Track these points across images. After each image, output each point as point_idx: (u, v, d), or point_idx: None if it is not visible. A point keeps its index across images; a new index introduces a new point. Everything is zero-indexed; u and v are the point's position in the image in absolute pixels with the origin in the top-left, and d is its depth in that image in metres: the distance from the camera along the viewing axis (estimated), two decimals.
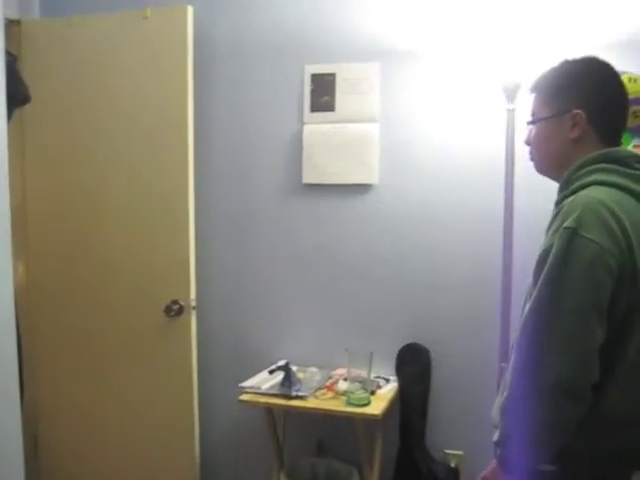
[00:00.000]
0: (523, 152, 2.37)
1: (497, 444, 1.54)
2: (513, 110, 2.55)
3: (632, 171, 1.54)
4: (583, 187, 1.53)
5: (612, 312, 1.42)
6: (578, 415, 1.43)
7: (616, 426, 1.48)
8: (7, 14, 2.87)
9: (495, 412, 1.62)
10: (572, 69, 1.65)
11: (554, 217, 1.52)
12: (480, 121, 2.78)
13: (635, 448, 1.50)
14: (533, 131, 1.71)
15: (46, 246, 3.15)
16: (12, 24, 3.08)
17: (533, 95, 1.71)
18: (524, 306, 1.56)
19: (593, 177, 1.53)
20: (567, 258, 1.42)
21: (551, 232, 1.49)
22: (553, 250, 1.44)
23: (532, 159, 1.74)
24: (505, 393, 1.52)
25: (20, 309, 2.64)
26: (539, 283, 1.46)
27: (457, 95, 2.81)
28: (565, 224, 1.44)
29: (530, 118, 1.72)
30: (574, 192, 1.53)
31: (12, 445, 1.68)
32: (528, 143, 1.74)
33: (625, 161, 1.55)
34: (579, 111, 1.59)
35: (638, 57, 2.38)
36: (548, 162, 1.70)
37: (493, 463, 1.58)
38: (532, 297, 1.47)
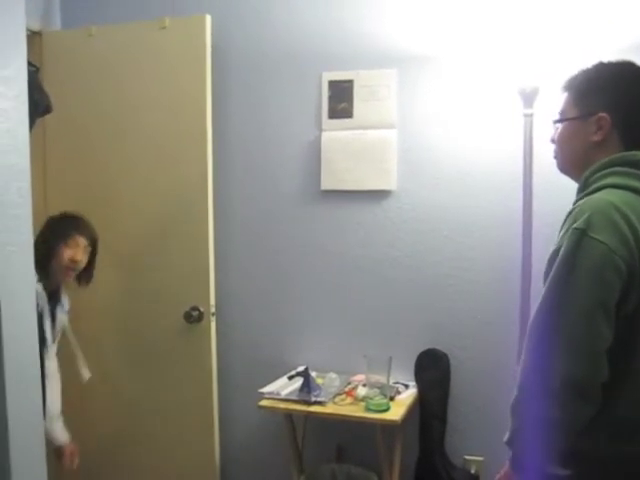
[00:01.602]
0: (542, 157, 2.38)
1: (507, 444, 1.55)
2: (531, 115, 2.55)
3: None
4: (597, 190, 1.53)
5: (621, 313, 1.43)
6: (587, 415, 1.43)
7: (630, 428, 1.47)
8: (29, 25, 2.91)
9: None
10: (603, 72, 1.64)
11: (566, 218, 1.52)
12: (498, 126, 2.78)
13: None
14: (559, 130, 1.71)
15: None
16: (34, 35, 3.13)
17: (565, 94, 1.70)
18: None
19: (608, 180, 1.54)
20: (575, 258, 1.42)
21: (562, 233, 1.49)
22: (562, 250, 1.45)
23: (555, 157, 1.74)
24: (514, 392, 1.52)
25: None
26: (547, 283, 1.47)
27: (475, 100, 2.81)
28: (575, 225, 1.44)
29: (558, 117, 1.72)
30: (588, 195, 1.54)
31: (35, 451, 1.69)
32: (553, 141, 1.74)
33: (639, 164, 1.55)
34: (605, 114, 1.59)
35: None
36: (569, 162, 1.70)
37: (506, 465, 1.58)
38: (540, 297, 1.48)
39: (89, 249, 2.62)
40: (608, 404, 1.44)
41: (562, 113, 1.70)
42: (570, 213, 1.52)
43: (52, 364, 2.63)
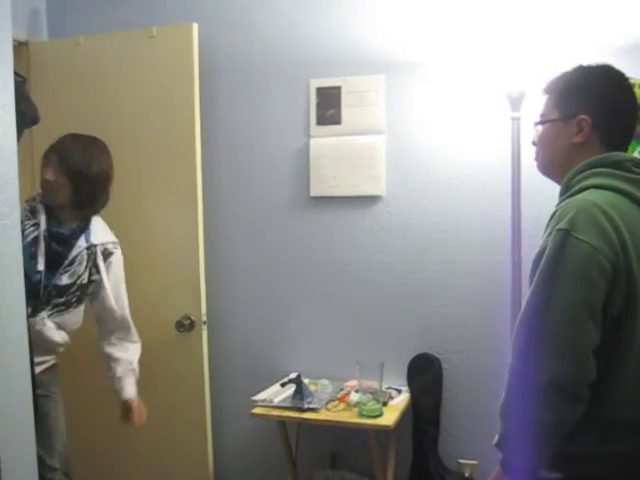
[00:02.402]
0: (529, 160, 2.38)
1: (497, 446, 1.55)
2: (518, 118, 2.57)
3: (630, 175, 1.55)
4: (579, 191, 1.54)
5: (607, 313, 1.43)
6: (575, 415, 1.43)
7: (617, 429, 1.47)
8: (15, 36, 2.91)
9: None
10: (584, 75, 1.66)
11: (550, 220, 1.53)
12: (486, 130, 2.79)
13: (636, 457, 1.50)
14: (540, 131, 1.72)
15: None
16: (20, 46, 3.12)
17: (546, 96, 1.72)
18: None
19: (590, 181, 1.55)
20: (559, 259, 1.43)
21: (546, 234, 1.50)
22: (546, 251, 1.46)
23: (536, 159, 1.76)
24: (502, 395, 1.53)
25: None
26: (533, 284, 1.48)
27: (462, 104, 2.82)
28: (559, 226, 1.45)
29: (539, 119, 1.73)
30: (571, 196, 1.54)
31: (26, 451, 1.69)
32: (534, 143, 1.75)
33: (623, 165, 1.56)
34: (585, 117, 1.60)
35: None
36: (550, 164, 1.71)
37: (497, 468, 1.59)
38: (526, 297, 1.49)
39: (62, 168, 2.48)
40: (595, 404, 1.44)
41: (543, 115, 1.72)
42: (554, 214, 1.53)
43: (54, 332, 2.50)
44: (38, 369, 2.47)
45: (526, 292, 1.54)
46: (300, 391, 2.78)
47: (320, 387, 2.88)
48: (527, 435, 1.44)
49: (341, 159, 2.98)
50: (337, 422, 2.70)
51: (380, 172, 2.94)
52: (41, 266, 2.41)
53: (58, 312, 2.50)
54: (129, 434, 3.11)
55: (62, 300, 2.50)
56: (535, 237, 2.43)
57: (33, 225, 2.44)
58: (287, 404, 2.79)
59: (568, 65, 1.71)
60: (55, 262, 2.47)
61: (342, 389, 2.88)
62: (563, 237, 1.43)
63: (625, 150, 1.66)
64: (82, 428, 3.12)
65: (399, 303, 2.96)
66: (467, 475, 2.88)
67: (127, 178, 3.07)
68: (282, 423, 2.90)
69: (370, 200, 2.97)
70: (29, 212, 2.46)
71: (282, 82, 3.07)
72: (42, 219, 2.46)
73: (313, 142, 3.02)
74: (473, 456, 2.88)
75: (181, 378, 3.04)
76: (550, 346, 1.42)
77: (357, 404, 2.71)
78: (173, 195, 3.01)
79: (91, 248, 2.54)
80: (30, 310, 2.39)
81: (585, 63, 1.68)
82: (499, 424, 1.53)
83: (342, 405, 2.77)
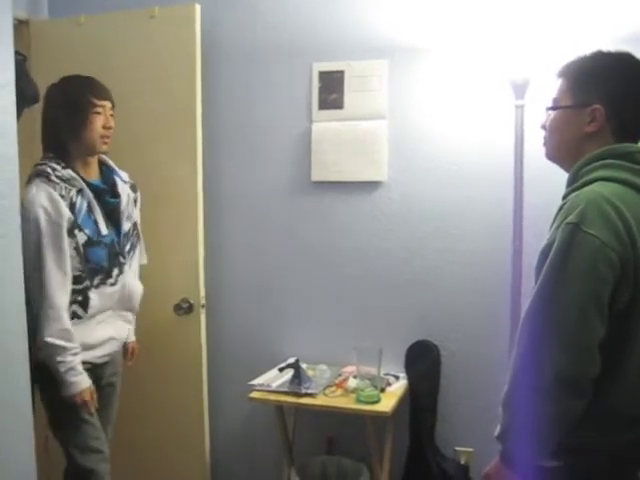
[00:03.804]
0: (532, 148, 2.38)
1: (498, 438, 1.54)
2: (522, 106, 2.55)
3: (638, 167, 1.53)
4: (588, 183, 1.52)
5: (614, 308, 1.42)
6: (579, 409, 1.43)
7: (620, 422, 1.48)
8: (16, 14, 2.88)
9: None
10: (601, 62, 1.62)
11: (558, 212, 1.51)
12: (489, 117, 2.78)
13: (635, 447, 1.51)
14: (551, 116, 1.68)
15: None
16: (21, 24, 3.10)
17: (560, 80, 1.67)
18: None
19: (598, 173, 1.52)
20: (568, 253, 1.42)
21: (554, 227, 1.48)
22: (555, 245, 1.44)
23: (544, 144, 1.71)
24: (506, 387, 1.52)
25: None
26: (540, 277, 1.46)
27: (466, 91, 2.80)
28: (568, 219, 1.43)
29: (551, 103, 1.68)
30: (579, 188, 1.53)
31: (24, 446, 1.68)
32: (544, 128, 1.71)
33: (632, 156, 1.54)
34: (599, 106, 1.57)
35: None
36: (559, 151, 1.68)
37: (496, 459, 1.58)
38: (534, 291, 1.47)
39: (112, 112, 2.47)
40: (599, 397, 1.44)
41: (555, 100, 1.67)
42: (562, 207, 1.50)
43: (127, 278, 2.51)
44: (110, 349, 2.53)
45: (527, 280, 1.54)
46: (298, 376, 2.78)
47: (318, 372, 2.88)
48: (531, 428, 1.44)
49: (343, 144, 2.96)
50: (334, 408, 2.70)
51: (382, 157, 2.92)
52: (104, 229, 2.41)
53: (130, 259, 2.55)
54: (125, 417, 3.11)
55: (129, 246, 2.54)
56: (537, 225, 2.43)
57: (78, 193, 2.34)
58: (285, 389, 2.79)
59: (573, 52, 1.67)
60: (113, 216, 2.48)
61: (340, 375, 2.88)
62: (572, 231, 1.42)
63: (636, 141, 1.63)
64: None
65: (399, 289, 2.96)
66: (463, 462, 2.89)
67: (127, 161, 3.05)
68: (279, 408, 2.90)
69: (372, 186, 2.96)
70: (64, 182, 2.32)
71: (285, 65, 3.05)
72: (82, 183, 2.37)
73: (315, 127, 3.00)
74: (469, 444, 2.88)
75: (179, 361, 3.04)
76: (557, 340, 1.41)
77: (355, 390, 2.71)
78: (173, 178, 2.99)
79: (129, 185, 2.59)
80: (117, 271, 2.45)
81: (604, 49, 1.63)
82: (501, 416, 1.53)
83: (340, 391, 2.77)
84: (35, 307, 2.24)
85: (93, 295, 2.37)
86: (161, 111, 2.98)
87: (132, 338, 2.73)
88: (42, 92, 2.50)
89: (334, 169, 2.99)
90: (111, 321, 2.49)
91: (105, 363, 2.53)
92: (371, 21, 2.90)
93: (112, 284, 2.43)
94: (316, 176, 3.03)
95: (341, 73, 2.95)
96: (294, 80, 3.04)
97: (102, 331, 2.45)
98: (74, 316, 2.34)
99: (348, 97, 2.95)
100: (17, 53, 2.20)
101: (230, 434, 3.25)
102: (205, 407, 3.07)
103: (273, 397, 2.79)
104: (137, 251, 2.61)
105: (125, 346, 2.69)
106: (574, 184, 1.56)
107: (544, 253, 1.48)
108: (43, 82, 2.55)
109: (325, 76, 2.98)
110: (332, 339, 3.05)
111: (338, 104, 2.96)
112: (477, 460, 2.83)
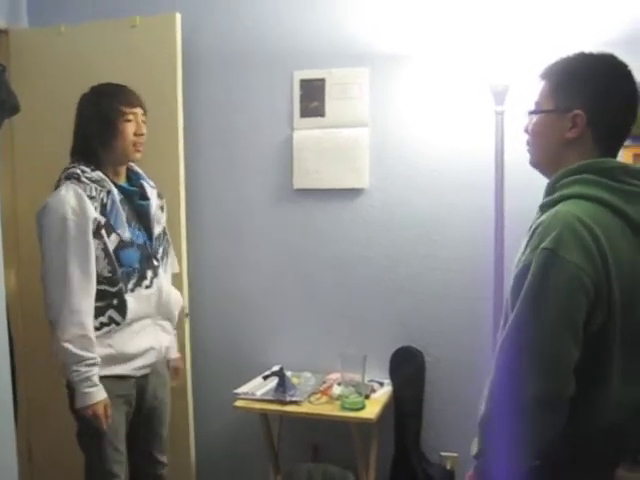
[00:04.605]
0: (513, 154, 2.39)
1: (475, 457, 1.55)
2: (502, 112, 2.56)
3: (617, 184, 1.50)
4: (565, 198, 1.51)
5: (588, 329, 1.43)
6: (557, 427, 1.44)
7: (598, 435, 1.49)
8: None
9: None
10: (583, 63, 1.59)
11: (533, 232, 1.49)
12: (470, 123, 2.79)
13: (617, 447, 1.53)
14: (533, 120, 1.65)
15: (37, 253, 3.14)
16: (0, 34, 3.07)
17: (542, 82, 1.63)
18: (504, 318, 1.56)
19: (575, 189, 1.50)
20: (545, 279, 1.41)
21: (529, 250, 1.46)
22: (531, 270, 1.43)
23: (528, 151, 1.68)
24: (483, 408, 1.52)
25: (12, 315, 2.63)
26: (518, 302, 1.45)
27: (446, 98, 2.82)
28: (544, 244, 1.42)
29: (533, 106, 1.65)
30: (556, 202, 1.51)
31: (6, 451, 1.67)
32: (526, 131, 1.68)
33: (611, 173, 1.51)
34: (581, 112, 1.54)
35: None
36: (541, 157, 1.65)
37: (470, 473, 1.59)
38: (512, 315, 1.47)
39: (144, 118, 2.47)
40: (576, 414, 1.45)
41: (537, 104, 1.63)
42: (537, 228, 1.48)
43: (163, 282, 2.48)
44: (150, 360, 2.45)
45: (509, 287, 1.53)
46: (282, 384, 2.78)
47: (303, 380, 2.88)
48: (510, 448, 1.45)
49: (324, 152, 2.97)
50: (319, 415, 2.70)
51: (363, 165, 2.93)
52: (136, 231, 2.40)
53: (164, 264, 2.52)
54: None
55: (161, 251, 2.51)
56: (518, 231, 2.40)
57: (108, 194, 2.32)
58: (269, 397, 2.78)
59: (553, 58, 1.63)
60: (144, 218, 2.46)
61: (325, 382, 2.88)
62: (548, 256, 1.41)
63: (617, 151, 1.61)
64: (60, 416, 3.11)
65: (382, 296, 2.96)
66: (449, 467, 2.90)
67: None
68: (264, 416, 2.89)
69: (353, 193, 2.97)
70: (94, 183, 2.31)
71: (266, 74, 3.05)
72: (111, 185, 2.35)
73: (296, 134, 3.01)
74: (455, 449, 2.89)
75: None
76: (534, 363, 1.42)
77: (339, 397, 2.71)
78: (155, 185, 2.98)
79: (156, 191, 2.57)
80: (151, 273, 2.41)
81: (586, 51, 1.60)
82: (479, 436, 1.53)
83: (324, 398, 2.77)
84: (54, 309, 2.22)
85: (130, 298, 2.32)
86: None
87: (176, 354, 2.69)
88: (22, 102, 2.49)
89: (316, 177, 2.99)
90: (150, 330, 2.43)
91: (146, 376, 2.45)
92: (351, 29, 2.91)
93: (147, 286, 2.39)
94: (298, 184, 3.03)
95: (322, 81, 2.95)
96: (275, 88, 3.04)
97: (141, 340, 2.39)
98: (111, 322, 2.30)
99: (329, 105, 2.96)
100: None
101: (215, 442, 3.23)
102: (190, 415, 3.06)
103: (258, 405, 2.79)
104: (169, 258, 2.58)
105: (169, 364, 2.65)
106: (551, 196, 1.56)
107: (521, 275, 1.46)
108: (23, 92, 2.54)
109: (306, 84, 2.98)
110: (316, 346, 3.05)
111: (319, 112, 2.97)
112: (462, 465, 2.84)
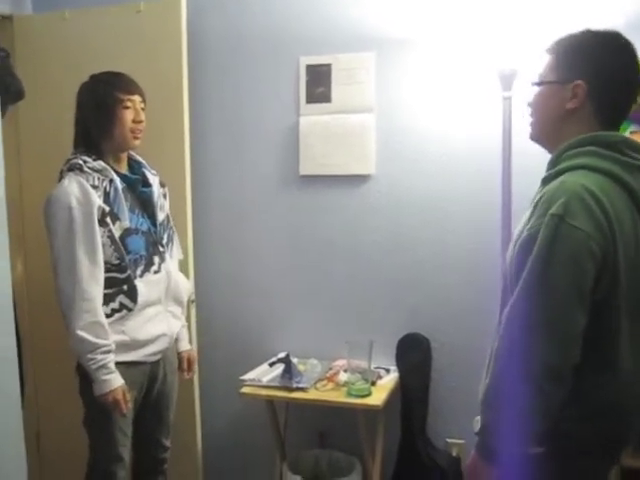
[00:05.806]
0: (520, 140, 2.37)
1: (479, 434, 1.54)
2: (510, 97, 2.54)
3: (622, 157, 1.52)
4: (570, 169, 1.51)
5: (594, 296, 1.44)
6: (560, 397, 1.45)
7: (599, 409, 1.50)
8: None
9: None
10: (588, 39, 1.61)
11: (538, 200, 1.50)
12: (477, 108, 2.77)
13: (618, 432, 1.54)
14: (535, 92, 1.68)
15: (44, 242, 3.14)
16: (4, 20, 3.07)
17: (548, 57, 1.66)
18: (510, 288, 1.55)
19: (582, 160, 1.52)
20: (553, 245, 1.42)
21: (535, 217, 1.47)
22: (540, 235, 1.44)
23: (530, 124, 1.71)
24: (487, 382, 1.52)
25: (19, 305, 2.64)
26: (526, 270, 1.46)
27: (453, 83, 2.80)
28: (551, 210, 1.43)
29: (537, 79, 1.68)
30: (561, 172, 1.52)
31: (14, 442, 1.67)
32: (529, 105, 1.71)
33: (616, 147, 1.53)
34: (581, 82, 1.56)
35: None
36: (541, 128, 1.68)
37: (472, 457, 1.58)
38: (519, 283, 1.47)
39: (142, 105, 2.46)
40: (578, 386, 1.45)
41: (541, 76, 1.67)
42: (542, 196, 1.49)
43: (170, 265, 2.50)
44: (162, 346, 2.47)
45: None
46: (289, 370, 2.78)
47: (309, 367, 2.88)
48: (518, 419, 1.45)
49: (331, 137, 2.95)
50: (326, 402, 2.70)
51: (370, 151, 2.92)
52: (140, 218, 2.41)
53: (170, 250, 2.53)
54: None
55: (166, 237, 2.52)
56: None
57: (111, 182, 2.33)
58: (276, 383, 2.78)
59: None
60: (148, 205, 2.47)
61: (331, 368, 2.87)
62: (557, 223, 1.42)
63: (618, 126, 1.63)
64: (69, 405, 3.12)
65: (388, 282, 2.96)
66: (455, 454, 2.90)
67: None
68: (270, 403, 2.89)
69: (360, 179, 2.96)
70: (96, 172, 2.31)
71: (272, 59, 3.03)
72: (113, 173, 2.35)
73: (303, 120, 2.99)
74: (461, 436, 2.89)
75: None
76: (543, 331, 1.42)
77: (346, 384, 2.71)
78: (161, 172, 2.96)
79: (157, 178, 2.58)
80: (158, 259, 2.43)
81: (593, 28, 1.62)
82: (483, 412, 1.53)
83: (331, 385, 2.77)
84: (66, 299, 2.23)
85: (140, 284, 2.34)
86: (148, 106, 2.95)
87: (187, 346, 2.71)
88: (27, 88, 2.48)
89: (322, 163, 2.98)
90: (162, 317, 2.45)
91: (157, 362, 2.48)
92: (358, 14, 2.89)
93: (156, 271, 2.41)
94: (304, 170, 3.02)
95: (328, 66, 2.93)
96: (281, 74, 3.03)
97: (153, 327, 2.41)
98: (123, 308, 2.31)
99: (335, 90, 2.94)
100: (0, 49, 2.18)
101: (221, 429, 3.24)
102: (196, 402, 3.06)
103: (264, 392, 2.79)
104: (174, 244, 2.60)
105: (180, 355, 2.67)
106: (556, 167, 1.56)
107: (527, 242, 1.47)
108: (28, 78, 2.53)
109: (312, 69, 2.96)
110: (322, 333, 3.05)
111: (325, 97, 2.95)
112: (468, 452, 2.80)
